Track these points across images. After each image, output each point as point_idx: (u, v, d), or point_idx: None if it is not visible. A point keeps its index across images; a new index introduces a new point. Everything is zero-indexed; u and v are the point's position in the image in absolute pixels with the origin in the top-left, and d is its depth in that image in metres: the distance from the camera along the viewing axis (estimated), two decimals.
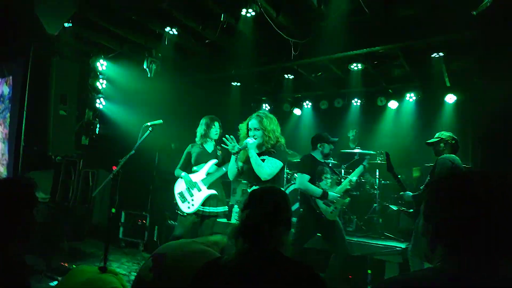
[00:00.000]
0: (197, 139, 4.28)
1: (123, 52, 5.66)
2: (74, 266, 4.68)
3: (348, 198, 4.36)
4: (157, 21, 4.64)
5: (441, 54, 4.65)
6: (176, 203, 4.19)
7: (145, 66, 5.31)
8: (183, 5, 4.37)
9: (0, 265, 1.64)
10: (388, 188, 6.23)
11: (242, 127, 3.39)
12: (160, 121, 4.16)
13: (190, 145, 4.34)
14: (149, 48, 5.35)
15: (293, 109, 7.73)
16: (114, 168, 7.08)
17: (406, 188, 4.22)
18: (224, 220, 6.28)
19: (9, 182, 1.97)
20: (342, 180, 4.46)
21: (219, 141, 4.29)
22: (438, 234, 1.09)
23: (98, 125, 5.82)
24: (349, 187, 4.27)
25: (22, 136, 4.64)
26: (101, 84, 5.81)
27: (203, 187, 4.08)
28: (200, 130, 4.25)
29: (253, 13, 3.93)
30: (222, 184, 4.33)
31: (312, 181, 4.02)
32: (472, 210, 1.03)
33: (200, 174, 4.15)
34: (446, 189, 1.11)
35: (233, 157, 3.33)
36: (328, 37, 4.50)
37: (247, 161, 3.27)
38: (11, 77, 5.16)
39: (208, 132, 4.20)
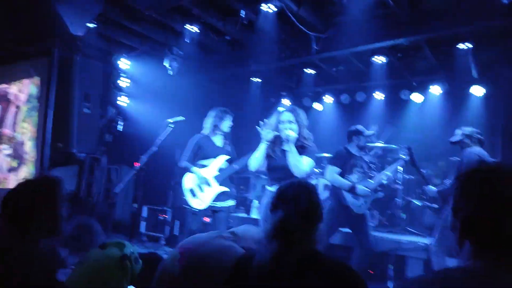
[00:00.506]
0: (206, 131, 4.04)
1: (145, 50, 5.71)
2: None
3: (382, 193, 4.29)
4: (178, 19, 4.65)
5: (468, 45, 4.48)
6: (186, 199, 4.00)
7: (166, 64, 5.34)
8: (204, 2, 4.37)
9: (32, 258, 1.72)
10: (412, 183, 6.11)
11: (272, 121, 3.14)
12: (182, 117, 4.18)
13: (198, 136, 4.07)
14: (170, 45, 5.37)
15: (313, 104, 7.63)
16: (136, 164, 7.24)
17: (429, 182, 4.15)
18: (244, 214, 6.33)
19: (36, 181, 2.06)
20: (375, 174, 4.38)
21: (229, 136, 4.14)
22: (465, 230, 1.04)
23: (121, 123, 5.91)
24: (385, 181, 4.21)
25: (48, 134, 4.75)
26: (124, 82, 5.90)
27: (215, 184, 3.92)
28: (211, 121, 4.01)
29: (275, 8, 3.88)
30: (229, 179, 4.13)
31: (342, 174, 3.98)
32: (500, 206, 0.98)
33: (211, 170, 3.95)
34: (474, 183, 1.06)
35: (263, 146, 3.07)
36: (350, 30, 4.41)
37: (276, 155, 3.10)
38: (38, 78, 5.29)
39: (220, 124, 3.98)
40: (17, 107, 5.59)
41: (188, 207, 4.01)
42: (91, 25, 4.52)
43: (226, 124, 4.01)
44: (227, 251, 1.94)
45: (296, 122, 3.06)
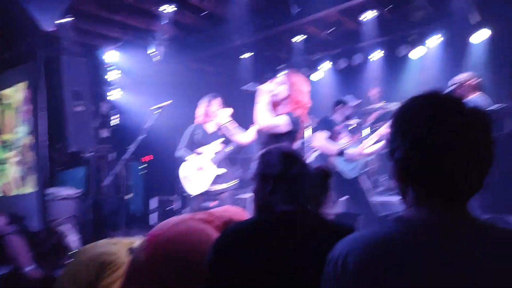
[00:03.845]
0: (198, 119, 4.18)
1: (129, 40, 5.59)
2: None
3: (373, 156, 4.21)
4: (153, 1, 4.50)
5: None
6: (183, 186, 4.17)
7: (151, 50, 5.22)
8: None
9: None
10: None
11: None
12: (170, 101, 4.12)
13: (192, 126, 4.22)
14: (153, 31, 5.24)
15: (311, 73, 7.40)
16: (146, 159, 7.14)
17: None
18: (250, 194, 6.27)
19: None
20: (362, 139, 4.27)
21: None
22: (402, 172, 0.87)
23: (115, 116, 5.87)
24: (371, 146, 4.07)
25: (43, 137, 4.75)
26: (112, 75, 5.82)
27: (212, 167, 3.99)
28: (200, 110, 4.12)
29: None
30: (229, 160, 4.24)
31: (330, 140, 3.89)
32: (440, 140, 0.81)
33: (207, 155, 4.04)
34: (408, 113, 0.88)
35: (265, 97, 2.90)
36: None
37: None
38: (27, 81, 5.26)
39: (208, 111, 4.06)
40: (16, 109, 5.57)
41: (186, 194, 4.15)
42: (66, 20, 4.42)
43: (215, 109, 4.04)
44: (197, 233, 1.86)
45: (286, 83, 2.89)
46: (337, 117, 4.04)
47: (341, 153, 3.80)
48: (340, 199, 4.19)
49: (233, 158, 6.47)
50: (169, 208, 6.53)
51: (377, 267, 0.79)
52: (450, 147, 0.81)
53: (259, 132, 3.00)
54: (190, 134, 4.15)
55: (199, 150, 4.08)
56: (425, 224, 0.83)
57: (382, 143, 4.04)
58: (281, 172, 1.41)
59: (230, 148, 4.03)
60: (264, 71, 7.32)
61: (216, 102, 4.06)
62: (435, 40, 5.89)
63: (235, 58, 6.42)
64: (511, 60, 5.41)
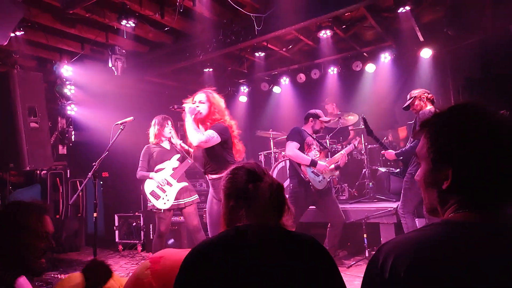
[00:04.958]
0: (151, 140, 4.31)
1: (86, 54, 5.46)
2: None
3: (337, 172, 4.39)
4: (112, 15, 4.45)
5: (407, 7, 4.52)
6: (151, 203, 4.27)
7: (110, 65, 5.13)
8: None
9: None
10: (375, 152, 6.22)
11: (188, 102, 3.23)
12: (131, 118, 4.08)
13: (146, 147, 4.37)
14: (111, 45, 5.16)
15: (271, 88, 7.61)
16: (105, 174, 6.89)
17: (388, 148, 4.22)
18: None
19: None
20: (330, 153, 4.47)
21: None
22: (458, 178, 0.89)
23: (73, 133, 5.67)
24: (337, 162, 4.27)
25: None
26: (69, 90, 5.63)
27: (174, 182, 4.20)
28: (153, 130, 4.28)
29: None
30: (188, 175, 4.51)
31: (301, 150, 4.04)
32: (490, 145, 0.85)
33: (167, 171, 4.24)
34: (457, 121, 0.91)
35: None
36: (291, 7, 4.37)
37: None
38: None
39: (162, 131, 4.24)
40: None
41: (155, 210, 4.22)
42: (18, 33, 4.26)
43: (167, 130, 4.28)
44: None
45: (206, 102, 3.15)
46: (307, 129, 4.18)
47: (312, 163, 3.95)
48: (308, 208, 4.32)
49: (194, 173, 6.46)
50: (135, 225, 6.36)
51: (430, 270, 0.79)
52: (497, 155, 0.85)
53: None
54: (148, 154, 4.31)
55: (158, 167, 4.25)
56: (473, 227, 0.85)
57: (337, 165, 4.25)
58: (240, 188, 1.46)
59: (186, 163, 4.23)
60: (226, 85, 7.43)
61: (168, 124, 4.27)
62: (387, 56, 6.29)
63: (197, 72, 6.45)
64: (450, 75, 5.93)
